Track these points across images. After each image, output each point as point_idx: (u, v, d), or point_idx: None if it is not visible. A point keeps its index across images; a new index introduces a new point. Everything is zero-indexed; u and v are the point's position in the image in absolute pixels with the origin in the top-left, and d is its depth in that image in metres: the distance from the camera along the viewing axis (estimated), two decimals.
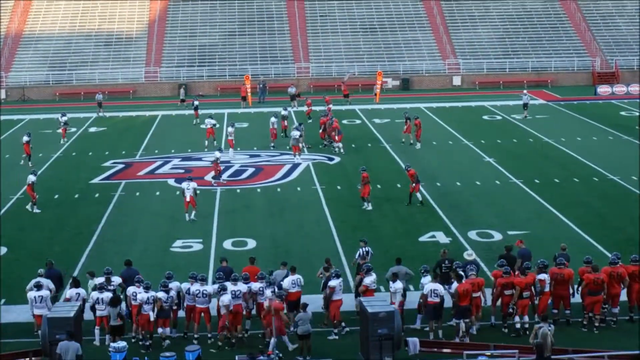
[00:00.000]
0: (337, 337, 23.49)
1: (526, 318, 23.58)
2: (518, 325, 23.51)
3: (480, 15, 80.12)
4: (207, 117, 50.98)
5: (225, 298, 22.90)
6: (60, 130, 52.38)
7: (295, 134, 45.63)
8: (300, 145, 45.55)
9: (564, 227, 33.11)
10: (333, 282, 23.68)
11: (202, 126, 52.14)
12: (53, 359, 20.83)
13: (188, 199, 34.97)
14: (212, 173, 41.53)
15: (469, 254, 25.83)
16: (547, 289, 23.47)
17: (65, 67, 73.90)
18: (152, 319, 23.01)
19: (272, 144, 48.62)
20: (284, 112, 52.86)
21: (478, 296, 23.62)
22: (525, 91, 60.40)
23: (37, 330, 23.11)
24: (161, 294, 23.28)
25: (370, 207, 35.73)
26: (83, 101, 68.64)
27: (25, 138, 45.49)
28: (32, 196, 36.64)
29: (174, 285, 23.76)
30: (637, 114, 55.80)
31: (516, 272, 24.05)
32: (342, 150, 46.62)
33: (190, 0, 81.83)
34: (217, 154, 41.85)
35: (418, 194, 36.27)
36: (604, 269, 24.07)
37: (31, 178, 36.72)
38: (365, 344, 21.23)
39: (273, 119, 49.32)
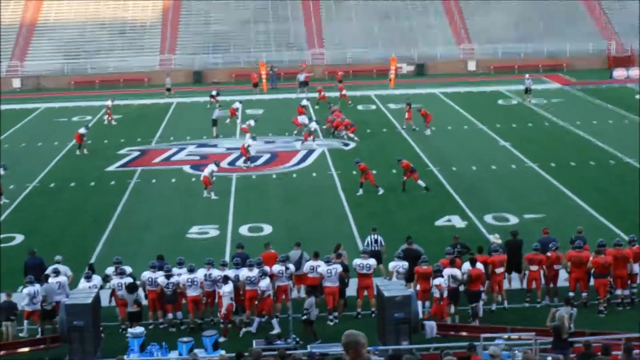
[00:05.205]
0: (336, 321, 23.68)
1: (499, 298, 24.36)
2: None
3: None
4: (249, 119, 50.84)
5: (264, 283, 23.12)
6: (106, 115, 54.42)
7: (313, 125, 46.01)
8: (313, 136, 45.62)
9: (580, 211, 33.02)
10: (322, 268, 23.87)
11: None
12: (71, 345, 20.96)
13: (201, 178, 36.56)
14: (234, 157, 42.83)
15: (497, 237, 25.95)
16: (445, 294, 22.92)
17: (80, 56, 74.01)
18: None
19: (296, 133, 48.37)
20: (305, 103, 52.78)
21: (501, 272, 24.16)
22: (527, 75, 59.44)
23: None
24: (161, 279, 23.39)
25: (381, 192, 35.90)
26: (98, 89, 68.80)
27: (82, 130, 45.91)
28: None
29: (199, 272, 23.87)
30: None
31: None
32: (356, 138, 46.45)
33: None
34: (250, 141, 42.74)
35: (420, 182, 36.10)
36: (626, 250, 24.23)
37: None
38: (381, 328, 21.22)
39: (314, 125, 46.97)
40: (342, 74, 66.12)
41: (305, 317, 22.38)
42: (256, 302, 23.20)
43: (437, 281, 22.88)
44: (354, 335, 8.32)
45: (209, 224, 32.66)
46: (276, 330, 22.99)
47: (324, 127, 48.53)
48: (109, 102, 54.78)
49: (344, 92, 57.04)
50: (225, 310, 22.79)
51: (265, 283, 23.10)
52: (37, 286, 23.37)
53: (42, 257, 25.91)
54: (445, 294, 22.90)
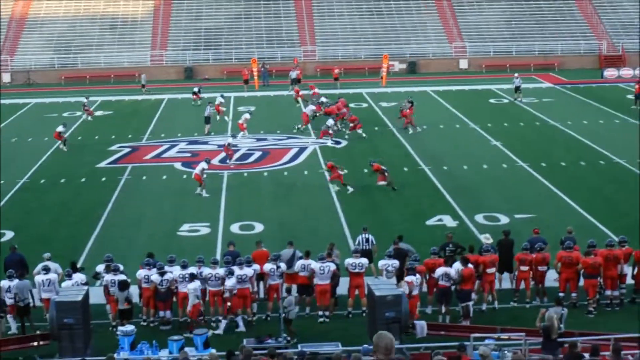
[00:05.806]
0: (327, 320, 23.73)
1: (490, 298, 24.42)
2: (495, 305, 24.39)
3: None
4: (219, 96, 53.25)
5: (230, 282, 23.02)
6: (85, 113, 54.34)
7: (330, 121, 45.90)
8: (331, 131, 45.72)
9: (571, 211, 33.08)
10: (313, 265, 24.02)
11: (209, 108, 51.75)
12: (61, 343, 20.89)
13: (193, 175, 36.53)
14: (224, 155, 42.16)
15: (487, 237, 25.96)
16: (415, 292, 22.97)
17: (71, 51, 73.80)
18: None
19: (299, 127, 48.42)
20: (324, 99, 52.39)
21: (493, 272, 24.23)
22: (516, 74, 59.49)
23: (45, 314, 23.17)
24: (155, 277, 23.38)
25: (336, 189, 36.01)
26: (88, 85, 68.61)
27: (60, 128, 45.80)
28: None
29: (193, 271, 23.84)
30: None
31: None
32: (346, 136, 46.43)
33: None
34: (231, 139, 42.62)
35: (381, 182, 36.05)
36: (617, 251, 24.30)
37: None
38: (372, 327, 21.21)
39: (331, 121, 46.77)
40: (339, 72, 65.95)
41: (284, 315, 22.37)
42: (228, 304, 23.18)
43: (408, 278, 22.97)
44: (385, 337, 8.73)
45: (200, 222, 32.63)
46: (219, 330, 23.04)
47: (318, 113, 48.84)
48: (85, 100, 54.96)
49: (315, 89, 56.06)
50: (191, 307, 22.79)
51: (231, 282, 23.12)
52: (14, 281, 23.33)
53: (30, 254, 25.85)
54: (416, 292, 22.96)
